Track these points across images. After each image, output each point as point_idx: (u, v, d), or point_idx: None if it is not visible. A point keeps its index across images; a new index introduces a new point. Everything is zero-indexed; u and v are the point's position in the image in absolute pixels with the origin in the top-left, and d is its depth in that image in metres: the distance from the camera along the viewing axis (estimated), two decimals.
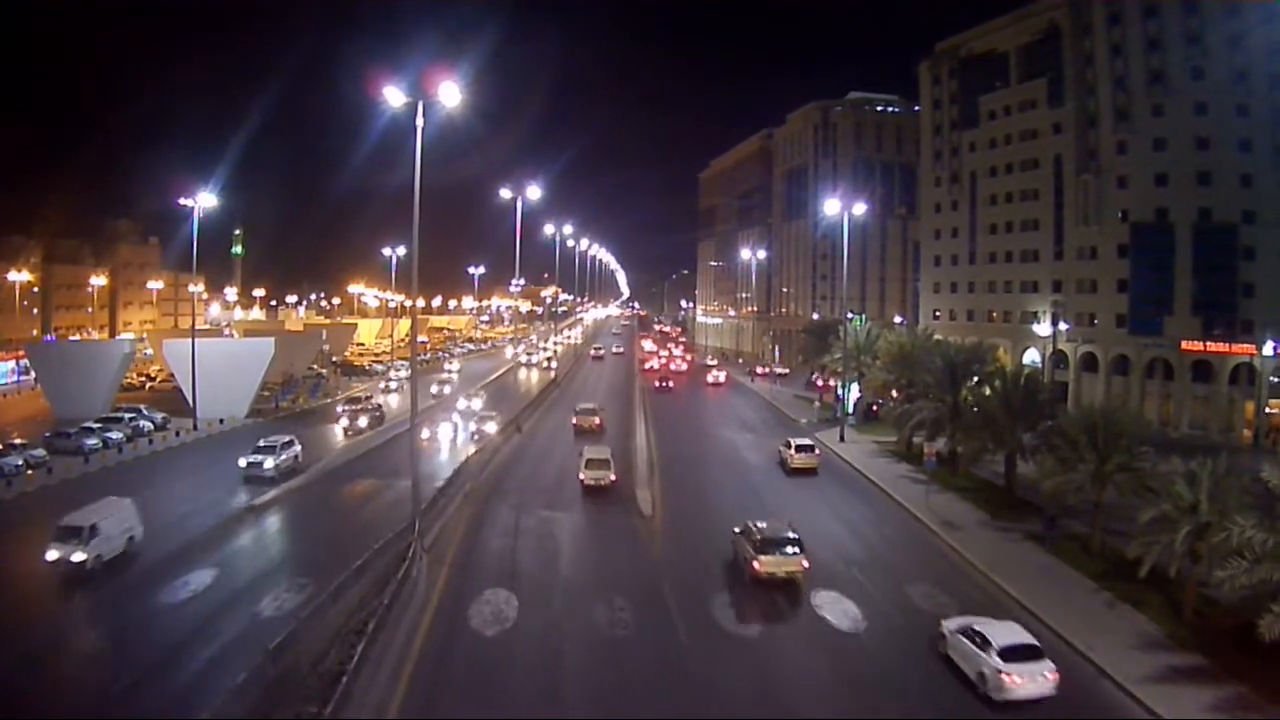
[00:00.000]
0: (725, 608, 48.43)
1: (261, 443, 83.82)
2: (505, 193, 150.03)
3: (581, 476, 76.99)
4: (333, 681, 35.16)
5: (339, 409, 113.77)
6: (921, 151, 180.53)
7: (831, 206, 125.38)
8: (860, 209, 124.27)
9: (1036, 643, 41.52)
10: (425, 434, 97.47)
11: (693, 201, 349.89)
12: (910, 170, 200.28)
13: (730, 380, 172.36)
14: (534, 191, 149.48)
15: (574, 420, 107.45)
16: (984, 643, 41.06)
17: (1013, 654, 40.00)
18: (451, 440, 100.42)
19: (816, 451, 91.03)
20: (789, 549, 50.79)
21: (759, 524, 52.95)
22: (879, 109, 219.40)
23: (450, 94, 57.31)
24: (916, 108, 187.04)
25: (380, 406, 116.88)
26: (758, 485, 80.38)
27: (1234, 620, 42.45)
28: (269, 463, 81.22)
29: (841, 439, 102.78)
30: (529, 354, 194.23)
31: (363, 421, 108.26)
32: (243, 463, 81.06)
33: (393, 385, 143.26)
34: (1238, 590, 41.00)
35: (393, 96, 56.50)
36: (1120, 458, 59.92)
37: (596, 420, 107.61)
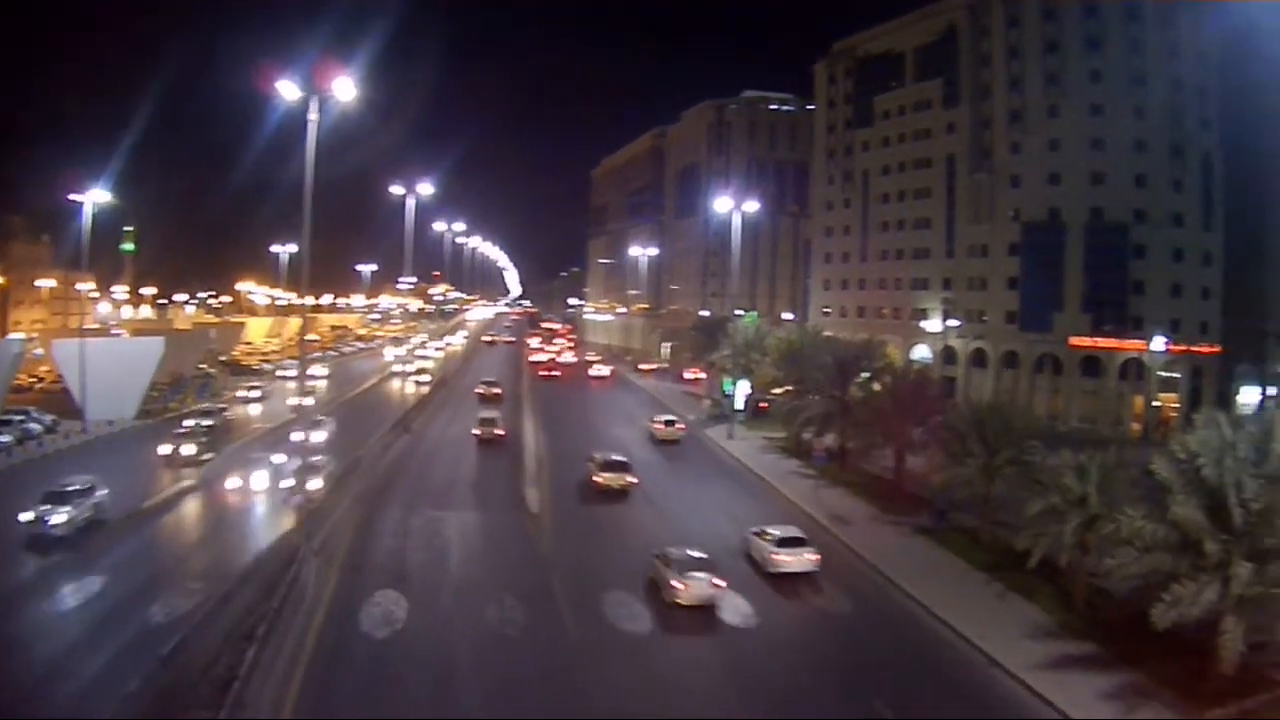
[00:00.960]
0: (615, 605, 47.59)
1: (53, 488, 60.87)
2: (396, 189, 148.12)
3: (476, 431, 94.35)
4: (224, 687, 33.99)
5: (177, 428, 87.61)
6: (815, 150, 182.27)
7: (723, 204, 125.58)
8: (752, 207, 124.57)
9: (803, 536, 56.82)
10: (235, 481, 71.49)
11: (584, 199, 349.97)
12: (803, 168, 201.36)
13: (616, 375, 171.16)
14: (425, 188, 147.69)
15: (478, 390, 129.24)
16: (766, 537, 55.88)
17: (783, 543, 55.11)
18: (264, 493, 70.88)
19: (680, 425, 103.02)
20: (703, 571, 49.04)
21: (676, 551, 50.93)
22: (773, 108, 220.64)
23: (344, 88, 55.97)
24: (811, 107, 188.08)
25: (214, 426, 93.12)
26: (648, 486, 79.48)
27: (1125, 609, 42.55)
28: (58, 518, 58.51)
29: (730, 436, 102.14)
30: (404, 362, 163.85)
31: (188, 449, 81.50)
32: (26, 516, 58.23)
33: (254, 394, 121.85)
34: (1128, 580, 41.16)
35: (286, 90, 54.95)
36: (1009, 452, 60.20)
37: (497, 390, 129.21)
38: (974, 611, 48.09)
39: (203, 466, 77.70)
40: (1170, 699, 38.41)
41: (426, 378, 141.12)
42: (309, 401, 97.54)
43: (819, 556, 54.80)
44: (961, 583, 53.52)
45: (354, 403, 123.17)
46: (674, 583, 48.29)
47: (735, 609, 48.17)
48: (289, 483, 64.65)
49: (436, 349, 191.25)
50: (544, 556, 56.82)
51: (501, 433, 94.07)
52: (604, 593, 49.14)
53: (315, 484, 63.80)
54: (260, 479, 71.05)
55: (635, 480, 73.89)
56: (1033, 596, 49.93)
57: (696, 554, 50.69)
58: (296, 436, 71.91)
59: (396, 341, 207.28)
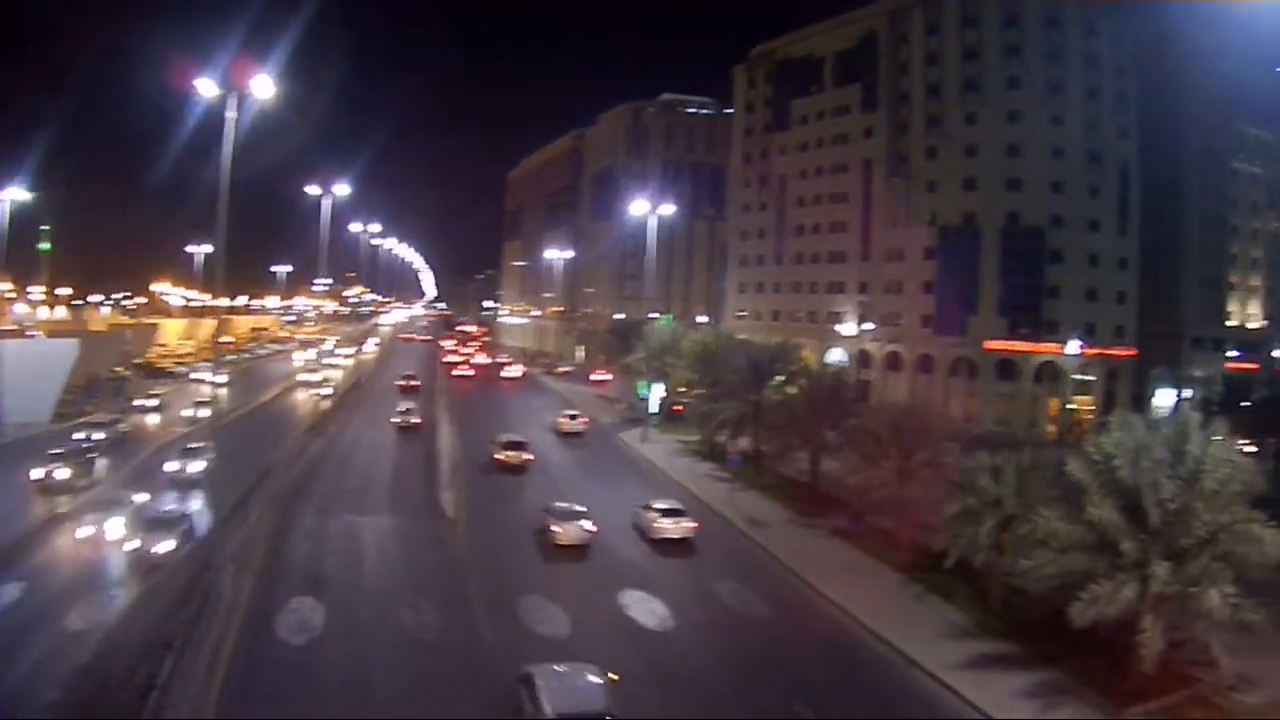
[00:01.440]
0: (531, 609, 46.94)
1: None
2: (312, 189, 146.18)
3: (395, 420, 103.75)
4: (143, 696, 33.36)
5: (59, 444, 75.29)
6: (732, 153, 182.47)
7: (639, 207, 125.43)
8: (668, 210, 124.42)
9: (681, 507, 64.64)
10: (87, 529, 54.86)
11: (501, 201, 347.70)
12: (720, 172, 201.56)
13: (527, 377, 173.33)
14: (341, 189, 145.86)
15: (399, 383, 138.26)
16: (650, 509, 62.74)
17: (664, 513, 61.99)
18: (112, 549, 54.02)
19: (583, 419, 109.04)
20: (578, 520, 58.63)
21: (559, 504, 62.48)
22: (691, 111, 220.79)
23: (263, 86, 54.91)
24: (729, 110, 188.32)
25: (103, 442, 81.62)
26: (565, 492, 78.95)
27: (1043, 609, 42.65)
28: None
29: (644, 439, 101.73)
30: (310, 370, 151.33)
31: (62, 473, 67.87)
32: None
33: (150, 403, 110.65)
34: (1045, 580, 41.25)
35: (205, 88, 53.79)
36: (925, 454, 60.38)
37: (416, 382, 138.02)
38: (892, 612, 48.08)
39: (79, 495, 65.40)
40: (1090, 697, 38.56)
41: (329, 390, 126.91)
42: (204, 414, 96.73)
43: (696, 525, 62.50)
44: (879, 584, 53.47)
45: (251, 417, 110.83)
46: (554, 528, 58.46)
47: (652, 612, 47.69)
48: (134, 542, 52.10)
49: (346, 356, 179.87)
50: (459, 560, 55.87)
51: (418, 421, 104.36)
52: (520, 596, 48.50)
53: (166, 545, 50.88)
54: (114, 528, 54.56)
55: (531, 457, 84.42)
56: (950, 597, 50.08)
57: (576, 507, 61.55)
58: (171, 467, 70.52)
59: (306, 346, 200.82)
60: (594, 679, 34.01)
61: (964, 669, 41.17)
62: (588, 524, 58.99)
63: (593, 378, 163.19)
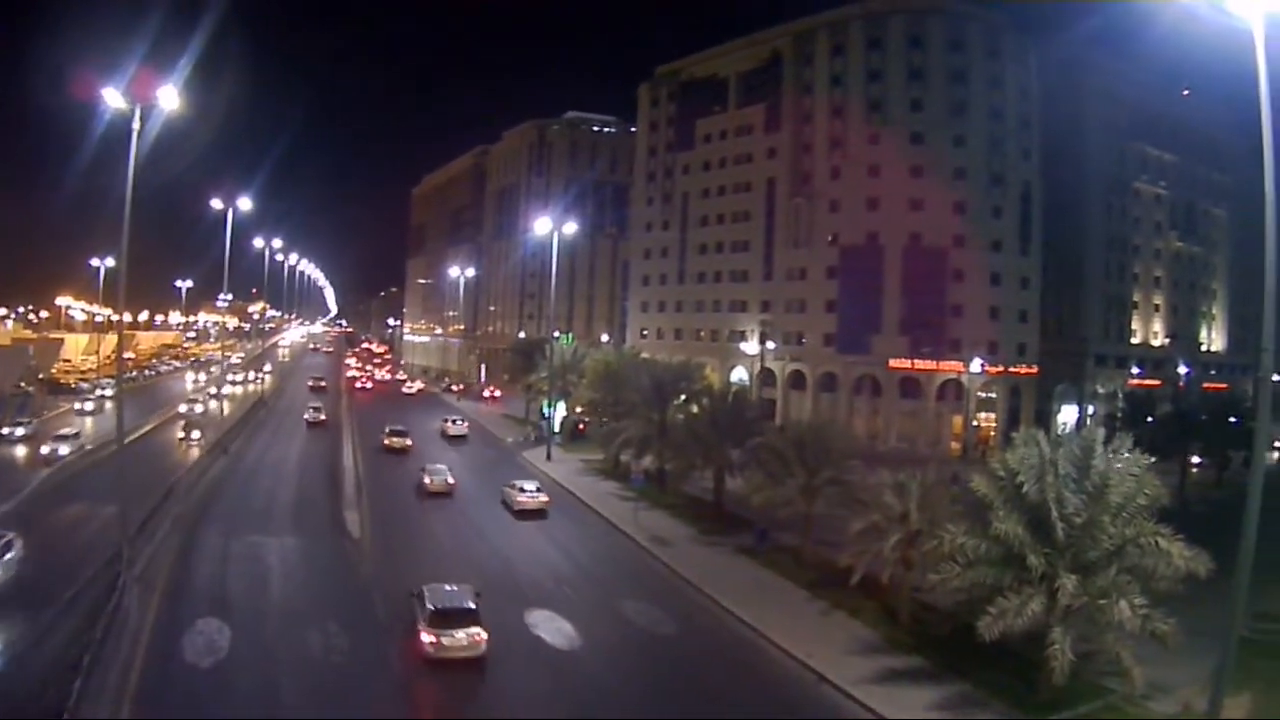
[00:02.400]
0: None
1: None
2: (216, 203, 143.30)
3: (306, 416, 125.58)
4: None
5: None
6: (635, 172, 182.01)
7: (542, 225, 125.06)
8: (571, 228, 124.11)
9: (538, 485, 78.17)
10: None
11: (405, 218, 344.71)
12: (623, 190, 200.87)
13: (425, 393, 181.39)
14: (245, 203, 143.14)
15: (309, 383, 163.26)
16: (513, 486, 76.68)
17: (523, 490, 75.88)
18: None
19: (465, 423, 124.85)
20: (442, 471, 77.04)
21: (430, 466, 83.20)
22: (595, 129, 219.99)
23: (169, 99, 53.63)
24: (634, 129, 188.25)
25: None
26: (462, 504, 78.36)
27: (951, 623, 42.96)
28: None
29: (549, 457, 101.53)
30: (193, 400, 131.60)
31: None
32: None
33: (19, 431, 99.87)
34: (952, 594, 41.52)
35: (111, 99, 52.38)
36: (829, 471, 60.59)
37: (324, 383, 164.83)
38: (800, 629, 47.82)
39: None
40: (1002, 709, 38.79)
41: (197, 435, 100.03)
42: (64, 450, 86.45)
43: (549, 499, 76.75)
44: (786, 601, 53.28)
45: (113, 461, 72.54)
46: (425, 479, 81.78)
47: (558, 630, 47.20)
48: None
49: (234, 383, 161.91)
50: (365, 581, 55.08)
51: (325, 418, 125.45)
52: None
53: None
54: None
55: (411, 443, 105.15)
56: (858, 613, 50.00)
57: (439, 465, 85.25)
58: None
59: (199, 367, 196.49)
60: (463, 590, 45.42)
61: (874, 684, 41.06)
62: (449, 477, 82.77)
63: (484, 394, 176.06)
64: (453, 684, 41.18)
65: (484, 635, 42.37)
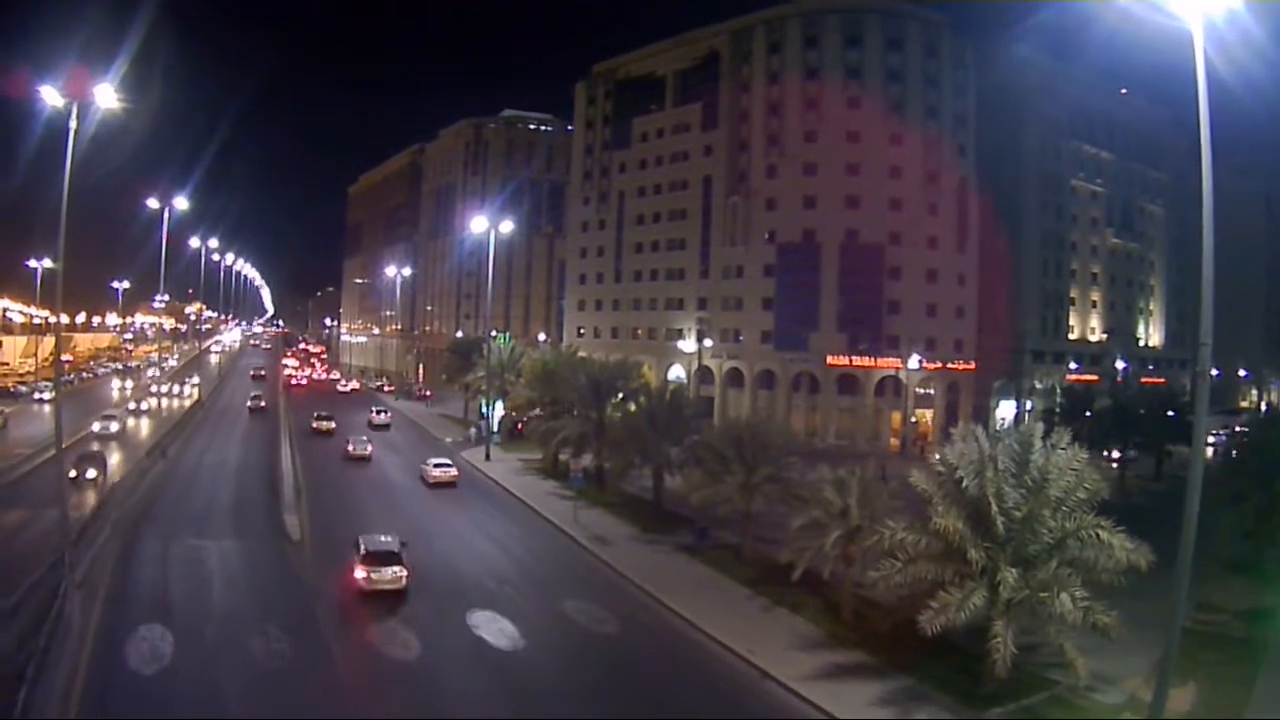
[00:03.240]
0: (382, 632, 45.67)
1: None
2: (152, 203, 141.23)
3: (249, 404, 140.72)
4: None
5: None
6: (572, 171, 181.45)
7: (478, 224, 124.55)
8: (508, 227, 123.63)
9: (450, 462, 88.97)
10: None
11: (342, 217, 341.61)
12: (560, 189, 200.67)
13: (361, 391, 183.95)
14: (181, 203, 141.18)
15: (251, 373, 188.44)
16: (428, 463, 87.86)
17: (436, 465, 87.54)
18: None
19: (388, 414, 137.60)
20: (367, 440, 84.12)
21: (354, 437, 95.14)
22: (532, 127, 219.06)
23: (106, 97, 52.64)
24: (570, 128, 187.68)
25: None
26: (401, 503, 77.89)
27: (893, 618, 42.84)
28: None
29: (487, 457, 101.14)
30: (107, 418, 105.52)
31: None
32: None
33: None
34: (894, 589, 41.56)
35: (48, 96, 51.27)
36: (768, 468, 60.75)
37: (264, 373, 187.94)
38: (742, 626, 47.73)
39: None
40: (947, 703, 38.82)
41: (92, 474, 76.93)
42: None
43: (458, 473, 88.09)
44: (727, 598, 53.19)
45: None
46: (350, 447, 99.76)
47: (500, 631, 46.79)
48: None
49: (164, 394, 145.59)
50: (306, 584, 54.38)
51: (265, 404, 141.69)
52: (369, 620, 47.23)
53: None
54: None
55: (335, 425, 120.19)
56: (799, 609, 49.98)
57: (364, 438, 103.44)
58: None
59: (124, 374, 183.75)
60: (391, 540, 55.09)
61: (817, 680, 41.02)
62: (370, 447, 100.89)
63: (417, 394, 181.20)
64: (391, 686, 40.79)
65: (405, 573, 51.63)
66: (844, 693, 39.72)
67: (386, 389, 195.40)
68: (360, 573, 51.13)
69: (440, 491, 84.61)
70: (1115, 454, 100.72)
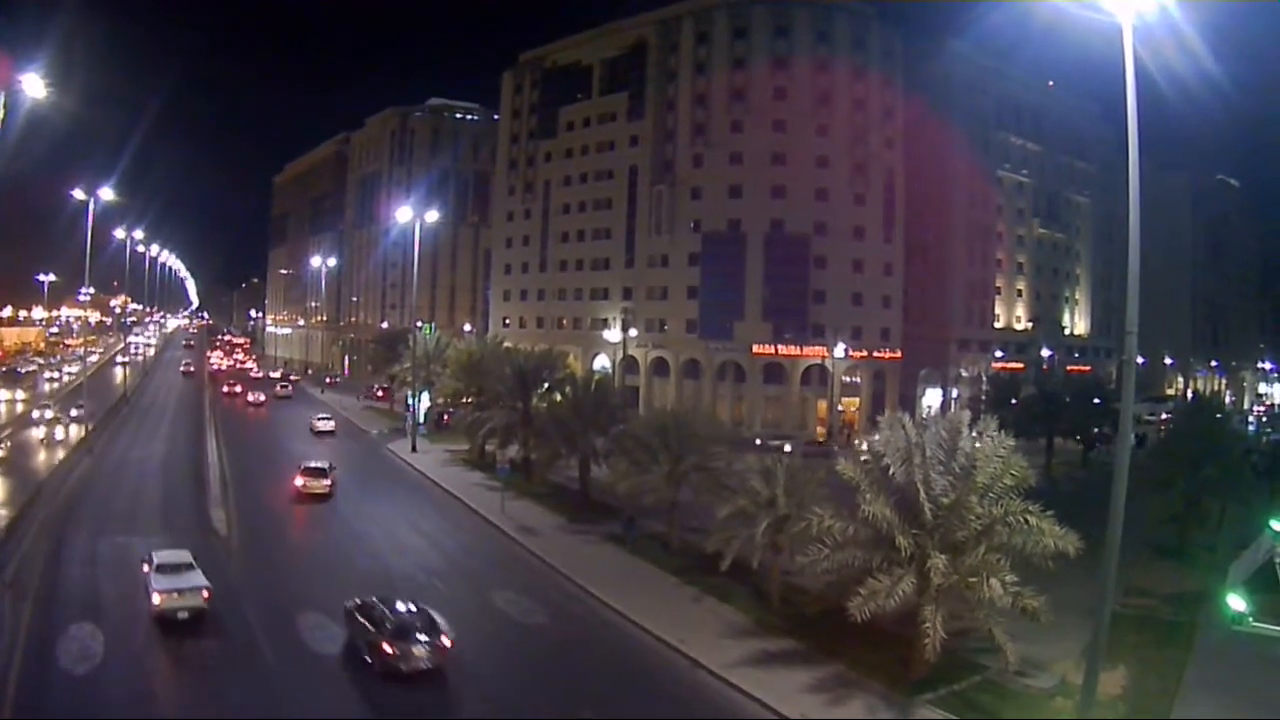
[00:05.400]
0: (310, 629, 44.95)
1: None
2: (78, 194, 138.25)
3: (181, 369, 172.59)
4: None
5: None
6: (498, 160, 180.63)
7: (404, 214, 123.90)
8: (433, 216, 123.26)
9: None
10: None
11: (267, 208, 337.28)
12: (486, 179, 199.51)
13: (296, 389, 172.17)
14: (107, 194, 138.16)
15: (181, 368, 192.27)
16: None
17: (319, 419, 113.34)
18: None
19: (290, 385, 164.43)
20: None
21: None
22: (458, 116, 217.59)
23: (33, 86, 51.44)
24: (497, 116, 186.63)
25: None
26: (330, 496, 76.95)
27: (823, 605, 43.03)
28: None
29: (414, 449, 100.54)
30: None
31: None
32: None
33: None
34: (822, 576, 41.66)
35: None
36: (694, 458, 60.74)
37: (193, 344, 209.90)
38: (671, 615, 47.72)
39: None
40: (878, 688, 38.98)
41: None
42: None
43: (335, 424, 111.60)
44: (656, 588, 53.19)
45: None
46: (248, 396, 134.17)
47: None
48: None
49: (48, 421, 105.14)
50: (234, 580, 53.05)
51: (193, 370, 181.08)
52: (297, 616, 46.44)
53: None
54: None
55: (265, 399, 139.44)
56: (728, 598, 50.08)
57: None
58: None
59: (13, 381, 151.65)
60: (325, 462, 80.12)
61: (748, 667, 41.03)
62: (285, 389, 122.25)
63: (327, 380, 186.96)
64: (322, 682, 40.45)
65: (330, 482, 75.71)
66: (774, 680, 39.70)
67: (292, 379, 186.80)
68: (299, 480, 75.48)
69: (368, 486, 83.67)
70: (1042, 441, 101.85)
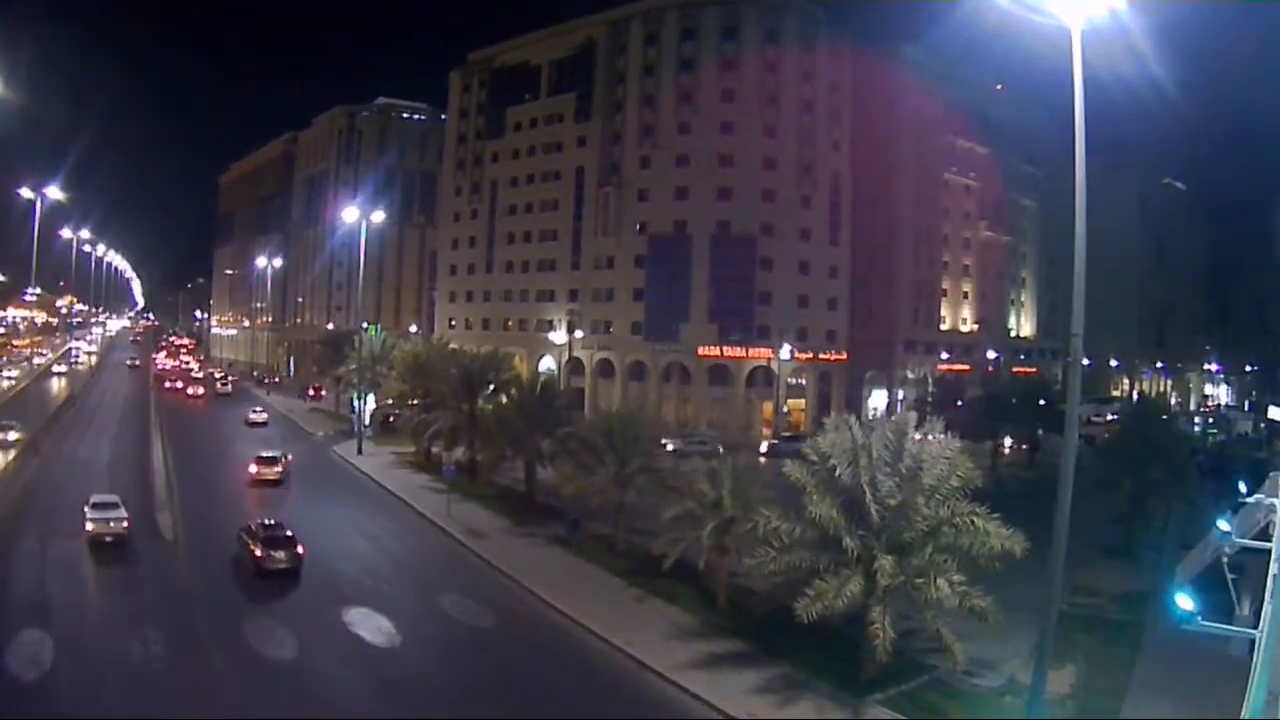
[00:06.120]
0: (257, 633, 44.57)
1: None
2: (26, 193, 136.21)
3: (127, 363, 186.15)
4: None
5: None
6: (445, 160, 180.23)
7: (350, 214, 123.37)
8: (379, 217, 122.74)
9: (263, 409, 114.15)
10: None
11: (213, 206, 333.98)
12: (433, 179, 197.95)
13: (239, 390, 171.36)
14: (55, 192, 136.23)
15: (127, 362, 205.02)
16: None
17: (253, 412, 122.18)
18: None
19: (232, 380, 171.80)
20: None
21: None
22: (406, 116, 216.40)
23: None
24: (445, 116, 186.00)
25: None
26: (273, 499, 76.21)
27: (770, 606, 42.90)
28: None
29: (360, 451, 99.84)
30: None
31: None
32: None
33: None
34: (769, 577, 41.74)
35: None
36: (640, 460, 60.96)
37: (140, 339, 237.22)
38: (618, 617, 47.72)
39: None
40: (826, 689, 39.10)
41: None
42: None
43: (268, 416, 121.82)
44: (602, 590, 53.14)
45: None
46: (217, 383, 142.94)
47: (377, 628, 46.17)
48: None
49: None
50: (182, 585, 52.67)
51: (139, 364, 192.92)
52: (244, 620, 45.99)
53: None
54: None
55: (204, 392, 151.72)
56: (674, 599, 50.13)
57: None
58: None
59: None
60: (278, 452, 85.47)
61: (695, 669, 41.05)
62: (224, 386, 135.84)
63: (266, 380, 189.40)
64: (269, 686, 40.06)
65: (281, 469, 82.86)
66: (722, 681, 39.73)
67: (231, 379, 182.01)
68: (253, 468, 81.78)
69: (314, 491, 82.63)
70: (988, 442, 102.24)
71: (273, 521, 57.41)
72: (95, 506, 59.97)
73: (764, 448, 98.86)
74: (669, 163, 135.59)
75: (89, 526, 57.75)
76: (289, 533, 55.54)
